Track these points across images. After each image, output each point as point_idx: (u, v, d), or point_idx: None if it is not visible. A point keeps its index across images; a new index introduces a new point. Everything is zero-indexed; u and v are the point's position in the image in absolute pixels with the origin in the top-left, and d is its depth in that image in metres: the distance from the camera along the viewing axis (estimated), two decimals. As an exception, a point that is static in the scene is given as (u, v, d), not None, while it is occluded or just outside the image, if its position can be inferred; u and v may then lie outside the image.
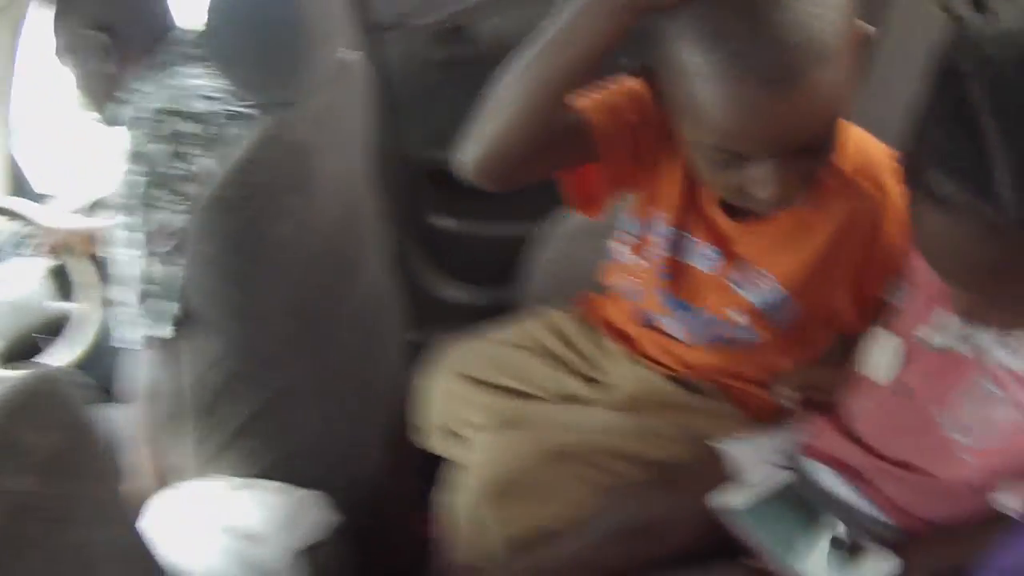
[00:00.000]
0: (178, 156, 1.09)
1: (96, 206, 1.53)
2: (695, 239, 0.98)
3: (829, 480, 0.93)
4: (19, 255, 1.51)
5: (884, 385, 0.90)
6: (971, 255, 0.67)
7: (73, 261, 1.48)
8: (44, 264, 1.52)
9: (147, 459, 1.17)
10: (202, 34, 1.03)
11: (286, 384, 1.10)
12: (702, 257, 0.98)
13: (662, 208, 0.98)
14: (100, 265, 1.39)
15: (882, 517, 0.90)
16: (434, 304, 1.58)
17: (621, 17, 0.79)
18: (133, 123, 1.11)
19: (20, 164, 1.66)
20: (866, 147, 0.92)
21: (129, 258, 1.09)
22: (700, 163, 0.85)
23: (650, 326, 1.06)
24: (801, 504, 0.91)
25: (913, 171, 0.69)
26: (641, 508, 0.95)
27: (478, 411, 1.05)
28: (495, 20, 1.54)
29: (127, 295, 1.10)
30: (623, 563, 0.93)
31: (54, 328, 1.49)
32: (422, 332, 1.15)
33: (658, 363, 1.05)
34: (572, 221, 1.30)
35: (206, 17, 1.01)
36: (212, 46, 1.02)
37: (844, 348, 0.95)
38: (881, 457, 0.90)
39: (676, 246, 0.98)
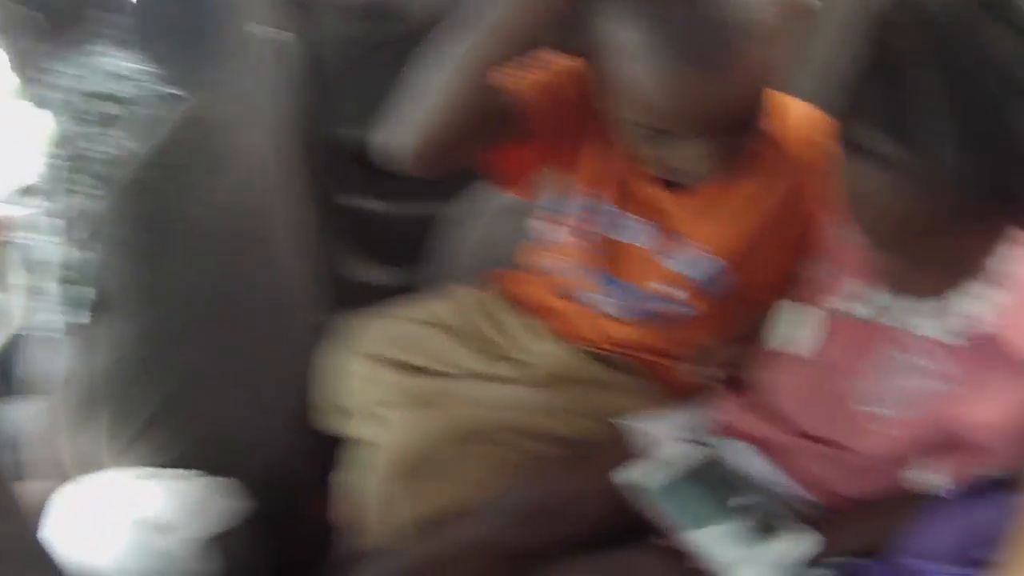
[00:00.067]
0: (101, 139, 1.08)
1: (20, 192, 1.51)
2: (627, 214, 0.97)
3: (746, 457, 0.91)
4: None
5: (803, 358, 0.88)
6: (905, 214, 0.67)
7: None
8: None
9: (60, 451, 1.15)
10: (124, 13, 1.03)
11: (198, 369, 1.08)
12: (635, 232, 0.97)
13: (590, 183, 0.97)
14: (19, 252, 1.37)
15: (802, 494, 0.88)
16: (350, 286, 1.56)
17: None
18: (56, 105, 1.10)
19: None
20: (806, 119, 0.92)
21: (49, 245, 1.08)
22: (629, 139, 0.85)
23: (575, 302, 1.04)
24: (715, 482, 0.89)
25: (848, 130, 0.69)
26: (544, 487, 0.92)
27: (387, 391, 1.02)
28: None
29: (46, 283, 1.08)
30: (529, 544, 0.90)
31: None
32: (338, 314, 1.13)
33: (576, 339, 1.03)
34: (488, 200, 1.28)
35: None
36: (133, 26, 1.02)
37: (760, 323, 0.95)
38: (801, 432, 0.88)
39: (606, 221, 0.98)
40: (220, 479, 1.06)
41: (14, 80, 1.23)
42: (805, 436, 0.87)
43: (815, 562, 0.83)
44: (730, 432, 0.93)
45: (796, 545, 0.83)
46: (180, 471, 1.07)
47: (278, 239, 1.18)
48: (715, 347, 0.97)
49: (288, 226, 1.20)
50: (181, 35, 1.02)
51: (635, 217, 0.96)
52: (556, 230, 1.02)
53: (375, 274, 1.59)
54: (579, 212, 0.99)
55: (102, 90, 1.09)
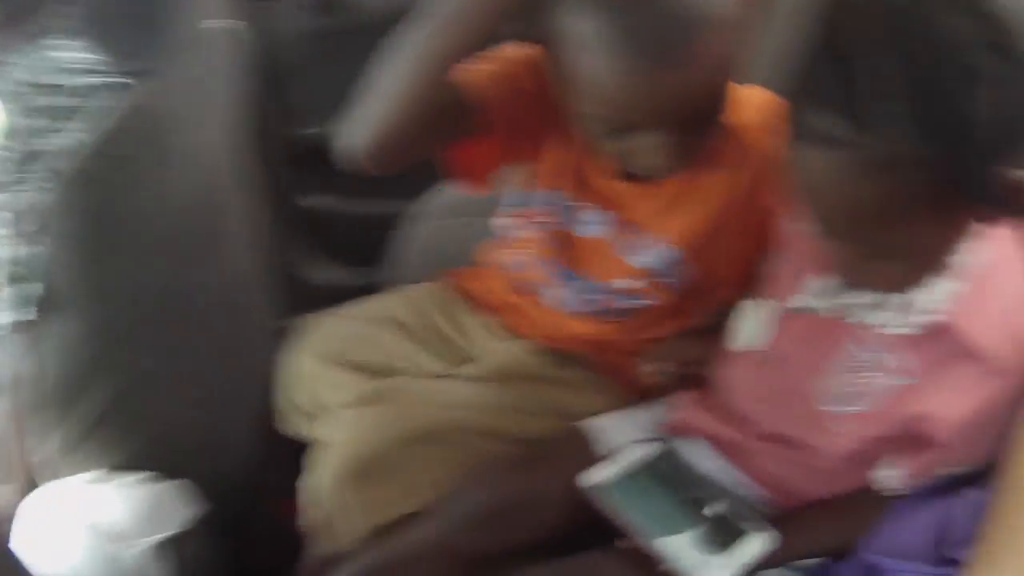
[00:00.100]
0: (49, 131, 1.05)
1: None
2: (585, 206, 0.96)
3: (702, 456, 0.90)
4: None
5: (756, 354, 0.87)
6: (858, 200, 0.65)
7: None
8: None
9: (15, 454, 1.12)
10: (75, 3, 1.00)
11: (147, 368, 1.05)
12: (592, 224, 0.96)
13: (548, 176, 0.96)
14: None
15: (759, 492, 0.88)
16: (307, 288, 1.55)
17: None
18: (7, 98, 1.07)
19: None
20: (765, 107, 0.90)
21: None
22: (589, 132, 0.84)
23: (533, 297, 1.03)
24: (672, 481, 0.88)
25: (800, 114, 0.68)
26: (500, 489, 0.90)
27: (337, 390, 1.01)
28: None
29: None
30: (484, 547, 0.89)
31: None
32: (297, 316, 1.11)
33: (530, 336, 1.02)
34: (442, 199, 1.28)
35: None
36: (79, 14, 0.99)
37: (718, 320, 0.93)
38: (757, 431, 0.87)
39: (564, 214, 0.96)
40: (174, 482, 1.04)
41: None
42: (763, 435, 0.87)
43: (780, 563, 0.82)
44: (687, 431, 0.93)
45: (757, 544, 0.82)
46: (134, 474, 1.04)
47: (232, 238, 1.15)
48: (671, 343, 0.96)
49: (243, 225, 1.17)
50: (131, 24, 0.99)
51: (593, 209, 0.95)
52: (516, 225, 1.00)
53: (335, 275, 1.58)
54: (538, 205, 0.97)
55: (55, 82, 1.06)
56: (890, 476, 0.81)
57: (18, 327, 1.05)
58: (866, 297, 0.78)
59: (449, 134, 0.90)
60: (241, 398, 1.11)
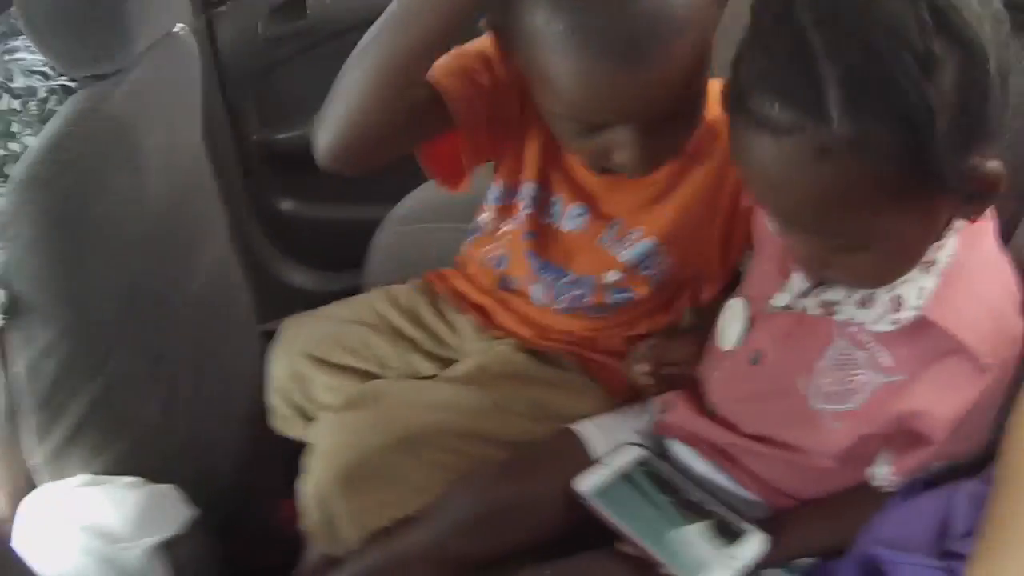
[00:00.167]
0: (5, 135, 1.00)
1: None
2: (561, 199, 0.94)
3: (687, 458, 0.90)
4: None
5: (735, 353, 0.87)
6: (800, 183, 0.63)
7: None
8: None
9: (1, 461, 1.12)
10: (20, 3, 0.93)
11: (123, 371, 1.04)
12: (569, 217, 0.94)
13: (526, 170, 0.94)
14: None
15: (745, 494, 0.88)
16: (286, 292, 1.53)
17: None
18: None
19: None
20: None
21: None
22: (558, 131, 0.82)
23: (510, 291, 1.02)
24: (664, 484, 0.89)
25: (736, 97, 0.65)
26: (492, 494, 0.90)
27: (323, 392, 1.00)
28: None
29: None
30: (475, 552, 0.89)
31: None
32: (275, 321, 1.09)
33: (513, 334, 1.01)
34: (413, 204, 1.26)
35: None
36: (28, 16, 0.93)
37: (701, 320, 0.92)
38: (740, 432, 0.87)
39: (542, 207, 0.94)
40: (166, 486, 1.04)
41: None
42: (752, 436, 0.87)
43: (776, 563, 0.83)
44: (673, 432, 0.92)
45: (755, 547, 0.83)
46: (126, 478, 1.04)
47: (202, 240, 1.13)
48: (657, 344, 0.95)
49: (212, 227, 1.13)
50: (76, 27, 0.94)
51: (569, 201, 0.94)
52: (493, 219, 0.99)
53: (312, 280, 1.55)
54: (514, 199, 0.95)
55: (7, 84, 1.03)
56: (884, 473, 0.81)
57: (-15, 333, 1.03)
58: (848, 294, 0.77)
59: (419, 132, 0.87)
60: (225, 400, 1.10)
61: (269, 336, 1.09)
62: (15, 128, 1.01)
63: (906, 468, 0.80)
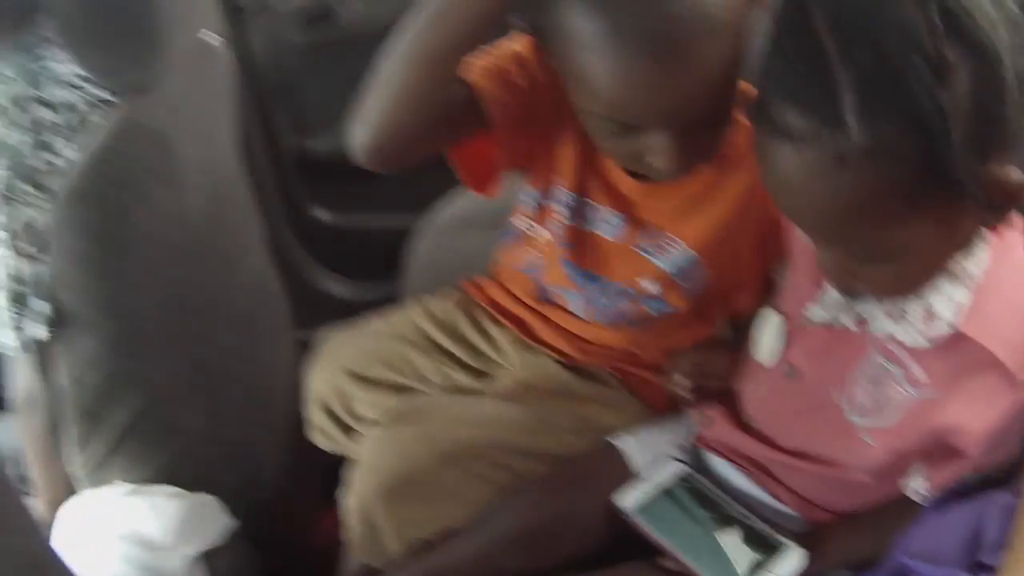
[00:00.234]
0: (41, 147, 1.01)
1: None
2: (597, 205, 0.93)
3: (725, 471, 0.90)
4: None
5: (771, 368, 0.87)
6: (820, 192, 0.64)
7: None
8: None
9: (40, 468, 1.12)
10: (56, 15, 0.94)
11: (167, 382, 1.05)
12: (606, 224, 0.94)
13: (561, 175, 0.93)
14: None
15: (783, 508, 0.88)
16: (321, 301, 1.54)
17: None
18: None
19: None
20: None
21: None
22: (594, 131, 0.82)
23: (549, 302, 1.02)
24: (699, 499, 0.89)
25: (759, 107, 0.66)
26: (537, 509, 0.91)
27: (365, 407, 1.01)
28: (361, 3, 1.49)
29: None
30: (524, 566, 0.90)
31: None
32: (310, 331, 1.10)
33: (551, 347, 1.01)
34: (452, 211, 1.26)
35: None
36: (65, 27, 0.94)
37: (737, 332, 0.92)
38: (777, 446, 0.87)
39: (578, 213, 0.94)
40: (206, 496, 1.05)
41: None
42: (785, 450, 0.87)
43: None
44: (710, 445, 0.92)
45: (794, 561, 0.83)
46: (165, 488, 1.05)
47: (240, 250, 1.13)
48: (695, 356, 0.95)
49: (250, 238, 1.14)
50: (112, 39, 0.96)
51: (605, 208, 0.93)
52: (529, 226, 0.98)
53: (347, 289, 1.55)
54: (550, 203, 0.95)
55: (41, 94, 1.02)
56: (918, 485, 0.81)
57: (26, 346, 1.04)
58: (876, 305, 0.77)
59: (453, 130, 0.87)
60: (264, 410, 1.11)
61: (304, 346, 1.09)
62: (52, 140, 1.01)
63: (940, 481, 0.80)
